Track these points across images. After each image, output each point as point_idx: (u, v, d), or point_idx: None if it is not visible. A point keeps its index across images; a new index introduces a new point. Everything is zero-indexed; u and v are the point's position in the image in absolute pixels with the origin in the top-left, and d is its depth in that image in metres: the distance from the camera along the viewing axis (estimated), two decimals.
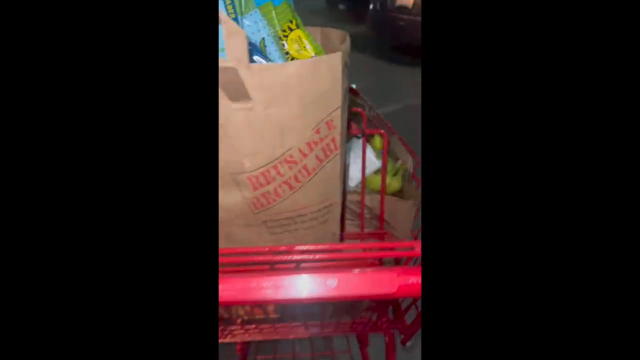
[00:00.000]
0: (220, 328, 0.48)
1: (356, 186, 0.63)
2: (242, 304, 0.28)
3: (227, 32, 0.24)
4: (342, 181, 0.38)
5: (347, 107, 0.35)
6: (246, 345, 0.75)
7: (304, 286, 0.28)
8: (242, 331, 0.49)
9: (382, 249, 0.39)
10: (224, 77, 0.25)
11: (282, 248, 0.33)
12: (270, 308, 0.48)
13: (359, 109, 0.54)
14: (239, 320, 0.49)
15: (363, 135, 0.55)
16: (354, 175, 0.63)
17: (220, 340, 0.50)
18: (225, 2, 0.31)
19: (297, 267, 0.36)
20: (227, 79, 0.25)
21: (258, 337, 0.50)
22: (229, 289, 0.28)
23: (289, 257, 0.33)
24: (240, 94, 0.26)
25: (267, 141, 0.30)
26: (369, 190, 0.62)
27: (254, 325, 0.48)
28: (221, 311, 0.46)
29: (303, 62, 0.28)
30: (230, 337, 0.49)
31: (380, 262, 0.47)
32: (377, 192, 0.63)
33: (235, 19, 0.31)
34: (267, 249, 0.33)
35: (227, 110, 0.27)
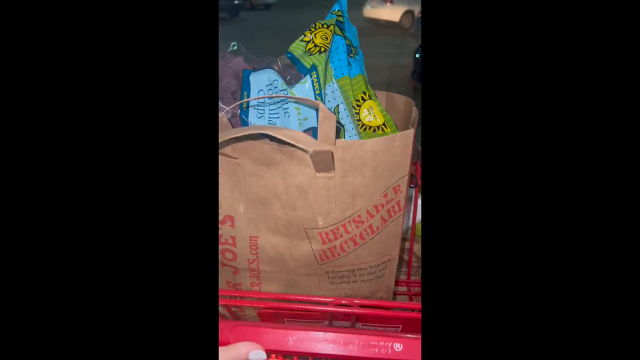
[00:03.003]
0: None
1: (405, 233, 0.64)
2: (304, 355, 0.30)
3: (322, 116, 0.28)
4: (401, 238, 0.40)
5: None
6: None
7: (366, 345, 0.30)
8: None
9: None
10: (317, 157, 0.29)
11: (343, 301, 0.35)
12: None
13: (417, 162, 0.56)
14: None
15: (416, 186, 0.57)
16: (404, 222, 0.64)
17: None
18: (312, 78, 0.36)
19: (353, 321, 0.38)
20: (319, 158, 0.29)
21: None
22: (295, 339, 0.30)
23: (348, 310, 0.35)
24: (326, 167, 0.30)
25: (340, 203, 0.33)
26: (417, 237, 0.63)
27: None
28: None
29: (379, 140, 0.31)
30: None
31: None
32: None
33: (320, 94, 0.36)
34: (332, 299, 0.35)
35: (311, 177, 0.31)
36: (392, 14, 6.15)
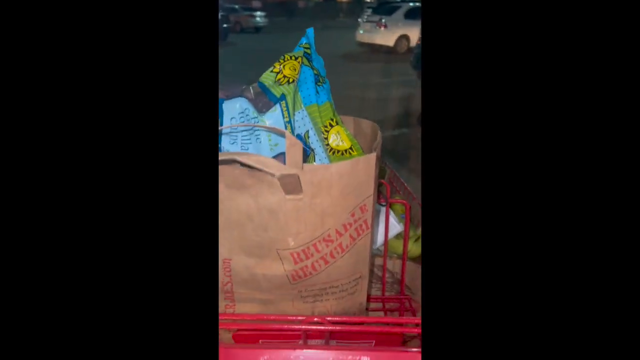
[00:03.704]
0: None
1: (378, 249, 0.66)
2: None
3: (289, 143, 0.30)
4: (371, 256, 0.42)
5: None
6: None
7: None
8: None
9: (405, 324, 0.41)
10: (285, 180, 0.30)
11: (315, 319, 0.37)
12: None
13: (384, 182, 0.59)
14: None
15: (387, 204, 0.60)
16: (377, 239, 0.66)
17: None
18: (281, 107, 0.38)
19: (327, 339, 0.39)
20: (287, 181, 0.31)
21: None
22: (266, 357, 0.31)
23: (321, 327, 0.36)
24: (295, 190, 0.32)
25: (310, 224, 0.35)
26: (390, 253, 0.65)
27: None
28: None
29: (345, 163, 0.33)
30: None
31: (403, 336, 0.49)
32: (399, 257, 0.65)
33: (289, 122, 0.38)
34: (304, 318, 0.36)
35: (281, 200, 0.33)
36: (386, 38, 5.93)
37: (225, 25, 6.78)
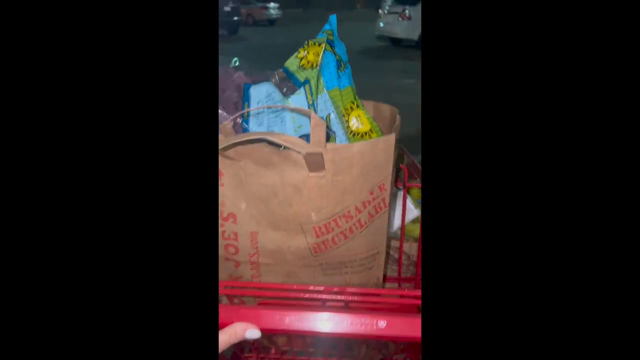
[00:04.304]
0: (257, 355, 0.53)
1: (395, 232, 0.68)
2: (299, 334, 0.33)
3: (314, 122, 0.33)
4: (388, 233, 0.44)
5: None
6: None
7: (354, 323, 0.33)
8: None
9: (419, 297, 0.43)
10: (309, 158, 0.33)
11: (336, 289, 0.39)
12: (308, 341, 0.52)
13: (403, 166, 0.60)
14: (273, 350, 0.54)
15: (404, 188, 0.61)
16: (393, 222, 0.68)
17: None
18: (305, 90, 0.40)
19: (345, 306, 0.42)
20: (311, 159, 0.33)
21: None
22: (291, 319, 0.34)
23: (340, 297, 0.39)
24: (318, 167, 0.34)
25: (331, 200, 0.38)
26: (407, 237, 0.67)
27: (290, 357, 0.53)
28: (262, 339, 0.51)
29: (365, 143, 0.36)
30: None
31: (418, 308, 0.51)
32: (415, 240, 0.67)
33: (312, 104, 0.40)
34: (323, 288, 0.39)
35: (305, 177, 0.35)
36: (409, 31, 5.23)
37: (236, 19, 6.35)
